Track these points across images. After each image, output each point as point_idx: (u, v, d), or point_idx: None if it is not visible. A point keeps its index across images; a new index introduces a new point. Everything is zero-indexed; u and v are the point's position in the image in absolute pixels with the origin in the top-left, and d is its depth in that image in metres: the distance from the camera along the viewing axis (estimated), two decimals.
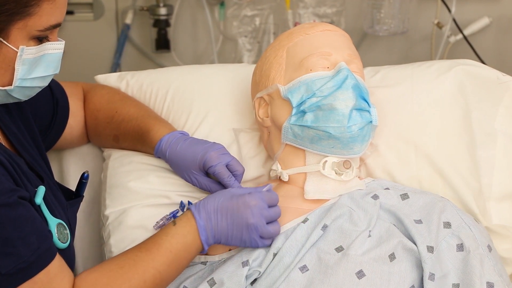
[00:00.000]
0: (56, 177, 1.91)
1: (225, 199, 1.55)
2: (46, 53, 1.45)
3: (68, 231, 1.51)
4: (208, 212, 1.54)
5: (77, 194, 1.66)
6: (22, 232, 1.36)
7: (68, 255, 1.50)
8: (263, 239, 1.56)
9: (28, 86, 1.46)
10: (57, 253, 1.42)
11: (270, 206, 1.56)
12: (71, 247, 1.53)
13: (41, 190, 1.47)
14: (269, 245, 1.58)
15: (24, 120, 1.63)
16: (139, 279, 1.47)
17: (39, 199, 1.45)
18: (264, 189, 1.60)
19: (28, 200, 1.42)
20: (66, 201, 1.60)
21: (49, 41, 1.45)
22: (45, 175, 1.56)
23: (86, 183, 1.66)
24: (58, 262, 1.42)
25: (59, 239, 1.47)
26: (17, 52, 1.41)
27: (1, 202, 1.35)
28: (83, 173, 1.66)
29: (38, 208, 1.46)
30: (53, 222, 1.47)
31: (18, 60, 1.42)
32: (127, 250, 1.53)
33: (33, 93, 1.49)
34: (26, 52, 1.42)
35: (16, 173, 1.43)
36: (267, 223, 1.55)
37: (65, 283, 1.42)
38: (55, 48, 1.46)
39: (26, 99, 1.50)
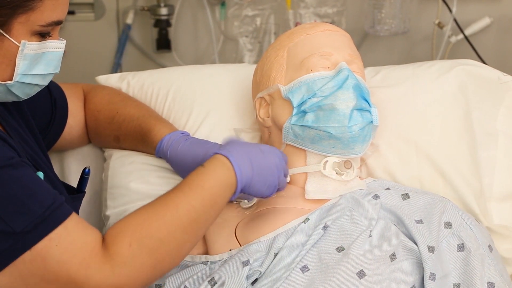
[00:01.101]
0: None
1: (250, 145, 1.55)
2: (47, 50, 1.45)
3: None
4: (240, 153, 1.51)
5: (79, 190, 1.66)
6: (31, 190, 1.34)
7: None
8: (270, 188, 1.55)
9: (28, 82, 1.46)
10: (74, 213, 1.38)
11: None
12: None
13: (40, 175, 1.46)
14: (268, 196, 1.58)
15: (24, 119, 1.63)
16: (173, 215, 1.40)
17: None
18: None
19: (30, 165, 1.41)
20: (68, 195, 1.60)
21: (51, 38, 1.45)
22: (47, 169, 1.56)
23: (87, 178, 1.66)
24: (76, 217, 1.37)
25: None
26: (18, 46, 1.41)
27: (3, 163, 1.34)
28: (84, 168, 1.66)
29: None
30: None
31: (20, 55, 1.42)
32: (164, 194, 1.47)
33: (32, 92, 1.49)
34: (28, 47, 1.42)
35: (17, 153, 1.42)
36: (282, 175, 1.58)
37: (90, 236, 1.36)
38: (56, 46, 1.46)
39: (25, 97, 1.50)
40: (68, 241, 1.34)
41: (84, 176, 1.66)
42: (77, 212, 1.64)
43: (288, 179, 1.62)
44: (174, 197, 1.43)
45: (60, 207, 1.36)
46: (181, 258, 1.45)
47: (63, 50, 1.48)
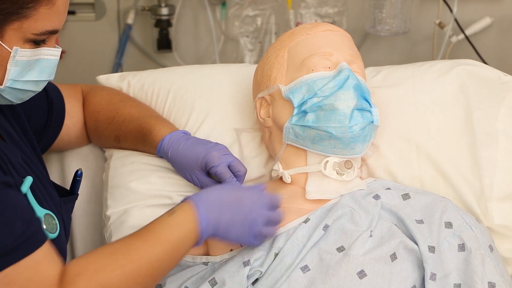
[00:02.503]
0: (58, 178, 1.91)
1: (227, 192, 1.53)
2: (41, 58, 1.44)
3: (56, 221, 1.49)
4: (210, 203, 1.49)
5: (72, 192, 1.66)
6: (4, 217, 1.34)
7: (59, 245, 1.49)
8: (256, 238, 1.53)
9: (20, 88, 1.45)
10: (47, 241, 1.39)
11: (271, 209, 1.55)
12: (61, 238, 1.51)
13: (28, 180, 1.45)
14: (258, 245, 1.56)
15: (18, 120, 1.63)
16: (133, 267, 1.41)
17: (25, 188, 1.44)
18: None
19: (12, 184, 1.40)
20: (60, 198, 1.60)
21: (46, 46, 1.44)
22: (38, 173, 1.55)
23: (80, 180, 1.66)
24: (46, 248, 1.38)
25: (47, 229, 1.45)
26: (10, 52, 1.40)
27: None
28: (77, 171, 1.66)
29: (24, 197, 1.44)
30: (40, 212, 1.46)
31: (11, 61, 1.41)
32: (122, 237, 1.48)
33: (25, 97, 1.49)
34: (20, 54, 1.41)
35: (2, 160, 1.41)
36: (266, 224, 1.54)
37: (53, 269, 1.38)
38: (51, 54, 1.46)
39: (19, 102, 1.49)
40: (34, 271, 1.35)
41: (77, 179, 1.66)
42: (70, 214, 1.65)
43: (272, 231, 1.57)
44: (139, 247, 1.43)
45: (33, 237, 1.36)
46: None
47: (58, 58, 1.47)
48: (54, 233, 1.48)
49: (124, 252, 1.43)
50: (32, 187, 1.47)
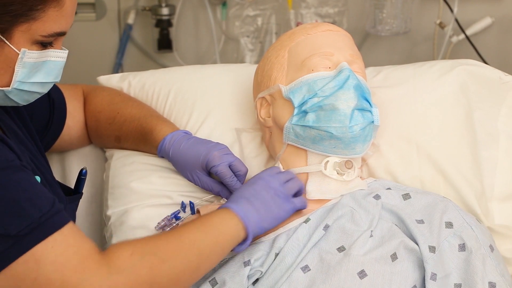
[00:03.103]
0: (58, 177, 1.91)
1: (247, 187, 1.56)
2: (48, 59, 1.45)
3: None
4: (238, 202, 1.52)
5: (76, 191, 1.66)
6: (29, 194, 1.33)
7: None
8: (289, 211, 1.57)
9: (27, 90, 1.46)
10: (72, 221, 1.37)
11: (287, 183, 1.60)
12: None
13: (37, 179, 1.46)
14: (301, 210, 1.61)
15: (22, 120, 1.63)
16: (177, 242, 1.41)
17: None
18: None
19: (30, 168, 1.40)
20: (66, 196, 1.60)
21: (52, 48, 1.45)
22: (45, 172, 1.56)
23: (84, 179, 1.66)
24: (74, 226, 1.36)
25: None
26: (18, 53, 1.41)
27: (3, 165, 1.33)
28: (81, 170, 1.66)
29: None
30: None
31: (19, 63, 1.42)
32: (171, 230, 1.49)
33: (31, 98, 1.49)
34: (28, 56, 1.42)
35: (16, 155, 1.41)
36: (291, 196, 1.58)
37: (86, 244, 1.34)
38: (57, 56, 1.46)
39: (24, 103, 1.50)
40: (64, 246, 1.32)
41: (81, 177, 1.66)
42: (75, 212, 1.65)
43: (303, 199, 1.62)
44: (179, 230, 1.44)
45: (58, 214, 1.34)
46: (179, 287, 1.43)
47: (64, 59, 1.47)
48: None
49: (168, 232, 1.44)
50: None
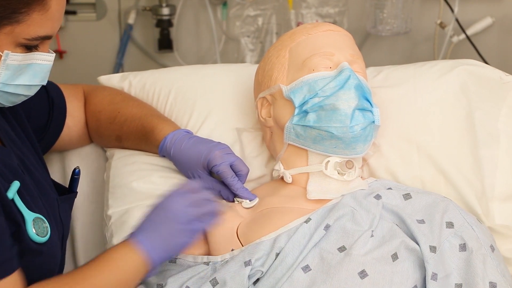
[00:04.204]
0: (59, 177, 1.91)
1: (151, 211, 1.51)
2: (33, 62, 1.44)
3: (47, 225, 1.49)
4: (143, 230, 1.49)
5: (70, 191, 1.66)
6: None
7: (49, 248, 1.48)
8: (190, 235, 1.51)
9: (12, 92, 1.45)
10: (17, 271, 1.38)
11: (195, 205, 1.52)
12: (52, 240, 1.50)
13: (15, 185, 1.45)
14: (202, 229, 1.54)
15: (17, 120, 1.63)
16: None
17: (11, 193, 1.43)
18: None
19: None
20: (59, 196, 1.60)
21: (38, 51, 1.44)
22: (36, 172, 1.55)
23: (78, 179, 1.66)
24: (14, 278, 1.37)
25: (37, 234, 1.44)
26: (1, 55, 1.40)
27: None
28: (74, 169, 1.66)
29: (11, 202, 1.44)
30: (29, 216, 1.45)
31: (2, 64, 1.41)
32: (76, 268, 1.49)
33: (18, 100, 1.49)
34: (11, 58, 1.41)
35: None
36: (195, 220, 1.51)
37: None
38: (44, 59, 1.45)
39: (10, 105, 1.49)
40: None
41: (75, 177, 1.66)
42: (69, 212, 1.65)
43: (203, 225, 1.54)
44: (89, 274, 1.43)
45: (2, 264, 1.35)
46: None
47: (51, 63, 1.46)
48: (44, 236, 1.47)
49: (76, 281, 1.43)
50: (20, 191, 1.46)
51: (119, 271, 1.46)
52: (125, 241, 1.49)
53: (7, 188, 1.44)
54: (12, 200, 1.44)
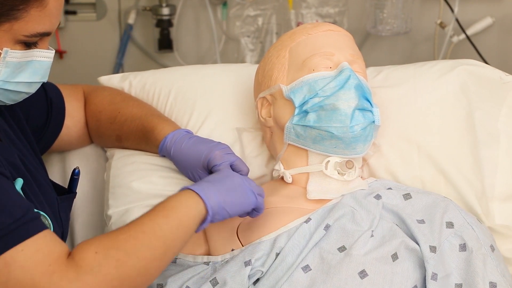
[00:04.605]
0: (59, 177, 1.91)
1: (214, 175, 1.55)
2: (33, 59, 1.44)
3: (49, 222, 1.49)
4: (202, 185, 1.50)
5: (70, 191, 1.66)
6: (3, 200, 1.32)
7: None
8: (251, 204, 1.55)
9: (12, 89, 1.45)
10: (48, 229, 1.36)
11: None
12: None
13: (19, 182, 1.45)
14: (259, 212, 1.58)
15: (15, 120, 1.63)
16: (137, 231, 1.39)
17: (17, 188, 1.44)
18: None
19: (11, 180, 1.39)
20: (58, 196, 1.59)
21: (37, 48, 1.44)
22: (35, 172, 1.55)
23: (77, 179, 1.66)
24: (48, 234, 1.35)
25: None
26: (0, 53, 1.40)
27: None
28: (74, 169, 1.66)
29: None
30: None
31: (1, 62, 1.41)
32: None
33: (19, 98, 1.49)
34: (10, 55, 1.41)
35: None
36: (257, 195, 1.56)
37: (58, 247, 1.34)
38: (43, 56, 1.45)
39: (11, 103, 1.49)
40: (34, 251, 1.31)
41: (74, 177, 1.66)
42: (69, 212, 1.65)
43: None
44: (139, 219, 1.42)
45: (32, 222, 1.34)
46: (149, 278, 1.40)
47: (51, 60, 1.46)
48: None
49: (134, 225, 1.41)
50: (23, 189, 1.46)
51: (181, 215, 1.44)
52: (184, 190, 1.48)
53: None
54: None
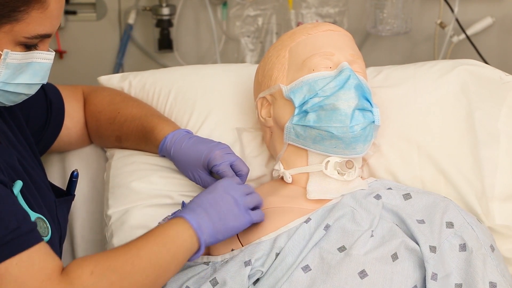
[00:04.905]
0: (59, 178, 1.92)
1: (202, 195, 1.55)
2: (33, 61, 1.44)
3: (48, 225, 1.49)
4: (193, 210, 1.52)
5: (68, 193, 1.66)
6: None
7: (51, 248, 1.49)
8: (246, 221, 1.56)
9: (12, 91, 1.45)
10: (43, 241, 1.37)
11: (246, 194, 1.59)
12: (53, 241, 1.51)
13: (18, 184, 1.45)
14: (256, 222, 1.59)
15: (15, 121, 1.63)
16: (140, 263, 1.42)
17: (15, 192, 1.44)
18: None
19: (8, 187, 1.40)
20: (56, 198, 1.60)
21: (37, 49, 1.44)
22: (34, 174, 1.55)
23: (76, 181, 1.66)
24: (43, 247, 1.36)
25: None
26: (0, 54, 1.40)
27: None
28: (73, 172, 1.66)
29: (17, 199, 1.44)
30: (31, 216, 1.45)
31: (2, 63, 1.41)
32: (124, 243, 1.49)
33: (18, 99, 1.49)
34: (11, 57, 1.41)
35: None
36: (250, 208, 1.57)
37: (51, 263, 1.34)
38: (43, 57, 1.45)
39: (11, 104, 1.49)
40: (28, 265, 1.32)
41: (73, 179, 1.66)
42: (67, 214, 1.65)
43: (261, 213, 1.61)
44: (144, 246, 1.44)
45: (28, 234, 1.34)
46: None
47: (51, 61, 1.46)
48: (46, 236, 1.47)
49: (131, 249, 1.43)
50: (22, 191, 1.46)
51: (175, 246, 1.47)
52: (180, 219, 1.50)
53: (10, 186, 1.44)
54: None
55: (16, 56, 1.41)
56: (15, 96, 1.47)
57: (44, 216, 1.49)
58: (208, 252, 1.66)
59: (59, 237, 1.57)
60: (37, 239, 1.36)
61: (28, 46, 1.42)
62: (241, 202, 1.55)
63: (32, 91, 1.49)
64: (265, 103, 1.75)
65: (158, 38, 2.82)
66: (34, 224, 1.38)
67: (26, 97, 1.49)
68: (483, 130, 1.79)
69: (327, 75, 1.67)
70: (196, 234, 1.49)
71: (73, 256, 1.91)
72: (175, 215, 1.54)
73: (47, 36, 1.43)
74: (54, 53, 1.47)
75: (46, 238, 1.47)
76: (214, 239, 1.52)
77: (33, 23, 1.40)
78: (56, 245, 1.54)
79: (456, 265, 1.55)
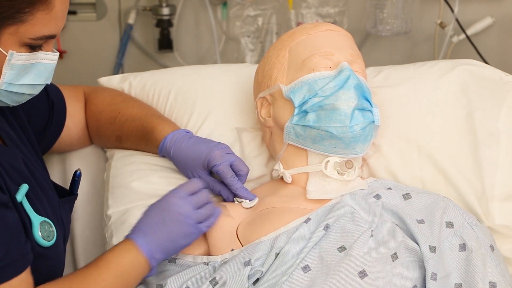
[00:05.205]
0: (59, 178, 1.92)
1: (150, 213, 1.55)
2: (38, 62, 1.44)
3: (54, 229, 1.50)
4: (141, 230, 1.53)
5: (71, 193, 1.66)
6: None
7: (56, 252, 1.50)
8: (196, 233, 1.56)
9: (16, 91, 1.45)
10: (27, 270, 1.40)
11: (198, 208, 1.57)
12: (58, 244, 1.52)
13: (24, 188, 1.46)
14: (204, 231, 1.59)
15: (18, 121, 1.63)
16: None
17: (20, 196, 1.44)
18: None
19: (6, 201, 1.40)
20: (60, 199, 1.60)
21: (42, 50, 1.44)
22: (38, 174, 1.55)
23: (79, 181, 1.67)
24: (23, 278, 1.39)
25: (43, 237, 1.46)
26: (6, 55, 1.40)
27: None
28: (76, 171, 1.66)
29: (20, 205, 1.45)
30: (36, 220, 1.46)
31: (6, 64, 1.41)
32: (78, 269, 1.52)
33: (22, 100, 1.49)
34: (16, 58, 1.41)
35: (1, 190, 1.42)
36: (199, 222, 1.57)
37: None
38: (48, 58, 1.45)
39: (15, 104, 1.49)
40: None
41: (76, 179, 1.66)
42: (70, 214, 1.65)
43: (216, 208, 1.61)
44: (91, 273, 1.47)
45: (11, 265, 1.37)
46: None
47: (55, 62, 1.47)
48: (50, 240, 1.48)
49: (86, 280, 1.46)
50: (28, 194, 1.47)
51: (121, 270, 1.49)
52: (126, 241, 1.51)
53: (16, 191, 1.45)
54: (20, 203, 1.45)
55: (20, 57, 1.42)
56: (19, 96, 1.47)
57: (50, 218, 1.50)
58: (208, 252, 1.66)
59: (63, 237, 1.58)
60: (18, 270, 1.39)
61: (33, 47, 1.43)
62: (191, 219, 1.55)
63: (36, 91, 1.49)
64: (265, 103, 1.75)
65: (158, 38, 2.82)
66: (22, 248, 1.40)
67: (29, 97, 1.50)
68: (483, 130, 1.79)
69: (327, 75, 1.67)
70: (148, 261, 1.51)
71: (74, 256, 1.91)
72: (126, 236, 1.55)
73: (52, 37, 1.44)
74: (58, 53, 1.48)
75: (51, 242, 1.48)
76: (165, 256, 1.55)
77: (38, 24, 1.40)
78: (61, 245, 1.55)
79: (456, 265, 1.55)
